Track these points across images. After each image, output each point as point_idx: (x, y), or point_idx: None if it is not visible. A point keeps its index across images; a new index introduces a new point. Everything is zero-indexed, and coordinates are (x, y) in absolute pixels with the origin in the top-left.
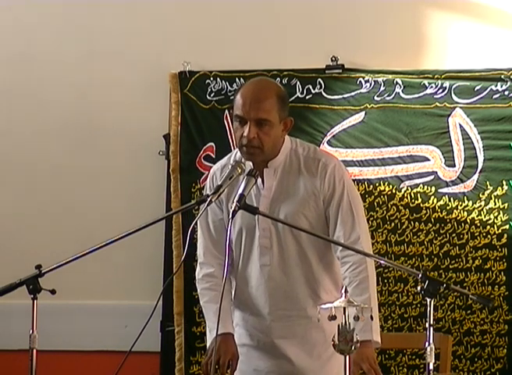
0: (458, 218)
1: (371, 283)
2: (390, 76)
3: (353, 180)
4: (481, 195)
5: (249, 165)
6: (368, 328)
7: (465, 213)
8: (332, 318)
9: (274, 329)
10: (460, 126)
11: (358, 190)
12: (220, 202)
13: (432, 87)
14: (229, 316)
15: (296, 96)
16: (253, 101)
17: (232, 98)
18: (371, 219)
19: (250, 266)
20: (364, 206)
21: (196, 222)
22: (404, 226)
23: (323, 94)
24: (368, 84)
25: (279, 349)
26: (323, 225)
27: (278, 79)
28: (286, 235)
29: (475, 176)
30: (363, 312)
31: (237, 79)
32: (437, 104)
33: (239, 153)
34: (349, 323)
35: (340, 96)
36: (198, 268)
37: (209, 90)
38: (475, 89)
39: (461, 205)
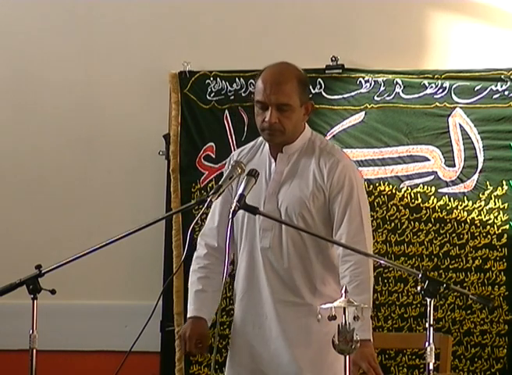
0: (458, 218)
1: (371, 284)
2: (390, 76)
3: None
4: (481, 195)
5: (250, 166)
6: (366, 328)
7: (465, 213)
8: (332, 318)
9: (271, 313)
10: (460, 126)
11: None
12: (232, 193)
13: (432, 87)
14: (205, 301)
15: None
16: (273, 86)
17: (232, 98)
18: (371, 219)
19: (252, 249)
20: None
21: (196, 222)
22: (404, 226)
23: (323, 94)
24: (368, 84)
25: (274, 333)
26: (324, 217)
27: None
28: (287, 219)
29: (475, 176)
30: (363, 312)
31: (237, 79)
32: (437, 104)
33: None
34: (349, 323)
35: (340, 96)
36: (197, 246)
37: (209, 90)
38: (475, 89)
39: (461, 205)
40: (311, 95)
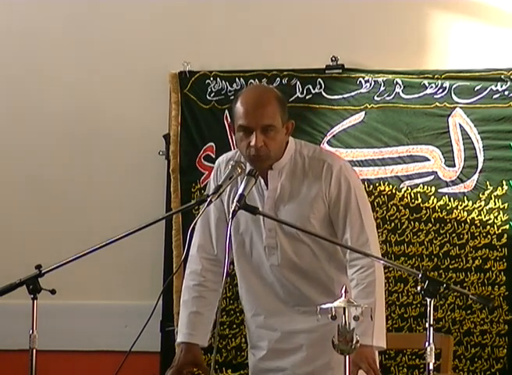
0: (458, 218)
1: (378, 287)
2: (390, 76)
3: None
4: (481, 195)
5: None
6: (369, 333)
7: (465, 213)
8: (333, 318)
9: (288, 324)
10: (460, 126)
11: None
12: (222, 199)
13: (432, 87)
14: (200, 324)
15: (296, 96)
16: (256, 109)
17: (232, 98)
18: None
19: (258, 267)
20: None
21: (196, 222)
22: (404, 226)
23: (323, 94)
24: (368, 84)
25: (291, 345)
26: (328, 226)
27: (278, 79)
28: (292, 235)
29: (475, 176)
30: (364, 315)
31: (237, 79)
32: (437, 104)
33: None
34: (349, 323)
35: (340, 96)
36: (188, 261)
37: (209, 90)
38: (475, 89)
39: (461, 205)
40: (311, 95)
